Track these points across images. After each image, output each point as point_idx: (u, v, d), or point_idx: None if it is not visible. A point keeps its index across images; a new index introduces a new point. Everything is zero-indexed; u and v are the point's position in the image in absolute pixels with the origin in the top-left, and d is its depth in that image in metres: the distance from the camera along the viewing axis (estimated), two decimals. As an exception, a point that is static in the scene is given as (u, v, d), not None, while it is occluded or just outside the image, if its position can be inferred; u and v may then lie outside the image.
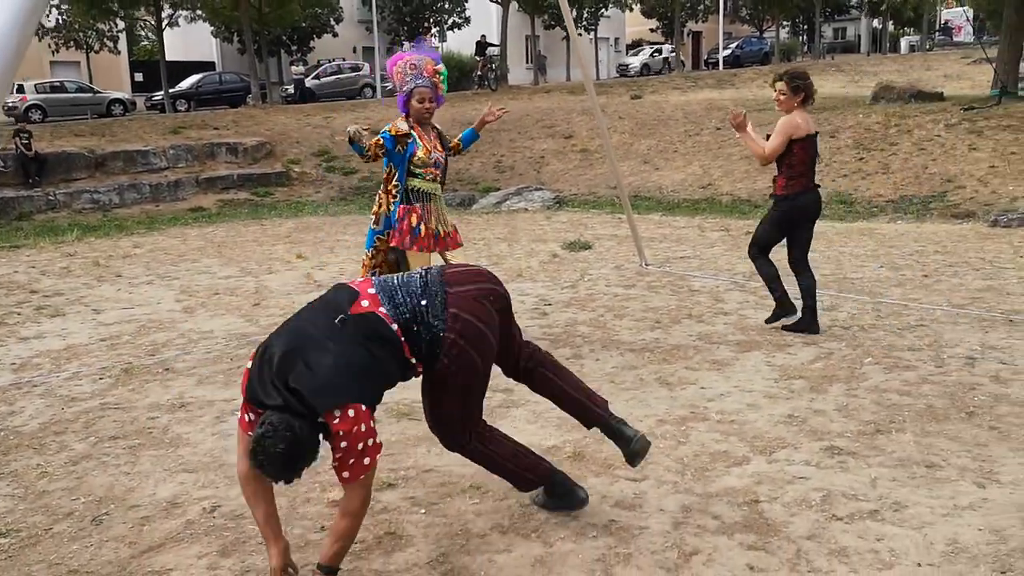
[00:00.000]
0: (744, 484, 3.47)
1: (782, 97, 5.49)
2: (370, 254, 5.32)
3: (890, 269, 7.86)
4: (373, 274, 4.97)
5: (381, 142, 5.12)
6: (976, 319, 5.94)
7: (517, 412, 4.35)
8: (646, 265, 8.30)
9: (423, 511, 3.31)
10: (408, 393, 4.67)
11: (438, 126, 5.46)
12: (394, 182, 5.24)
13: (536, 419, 4.25)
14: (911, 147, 14.84)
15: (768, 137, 5.60)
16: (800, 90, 5.46)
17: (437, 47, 37.88)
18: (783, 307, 5.78)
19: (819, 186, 5.73)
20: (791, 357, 5.21)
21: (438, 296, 2.77)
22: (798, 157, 5.51)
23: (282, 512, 3.31)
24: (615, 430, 3.16)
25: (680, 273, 7.98)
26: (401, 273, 2.90)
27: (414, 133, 5.20)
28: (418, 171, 5.23)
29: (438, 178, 5.35)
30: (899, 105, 17.78)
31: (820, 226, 11.23)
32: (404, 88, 5.16)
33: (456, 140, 5.59)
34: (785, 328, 5.77)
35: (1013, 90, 17.10)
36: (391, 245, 5.27)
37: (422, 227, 5.25)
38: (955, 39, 46.50)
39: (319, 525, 3.21)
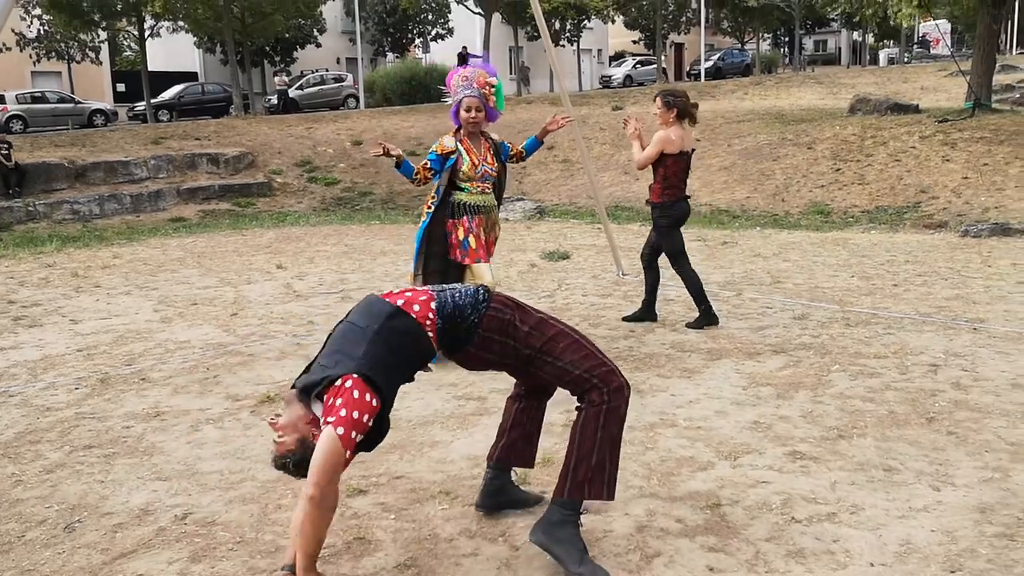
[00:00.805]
0: (708, 488, 3.55)
1: (657, 112, 6.05)
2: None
3: (861, 278, 7.99)
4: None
5: (428, 164, 5.27)
6: (942, 327, 6.07)
7: (488, 420, 4.42)
8: (623, 275, 8.39)
9: (393, 516, 3.37)
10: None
11: (494, 136, 5.50)
12: (432, 194, 5.35)
13: (507, 426, 4.31)
14: (886, 158, 15.06)
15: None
16: (672, 106, 6.00)
17: (420, 58, 38.06)
18: (708, 317, 6.34)
19: (689, 197, 6.32)
20: (760, 365, 5.31)
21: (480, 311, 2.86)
22: (671, 169, 6.07)
23: (253, 519, 3.37)
24: (521, 496, 3.39)
25: (655, 283, 8.05)
26: (462, 295, 2.89)
27: (461, 147, 5.30)
28: (464, 185, 5.31)
29: (487, 191, 5.41)
30: (875, 117, 18.04)
31: (796, 236, 11.48)
32: (455, 98, 5.29)
33: (519, 148, 5.66)
34: (625, 319, 6.55)
35: (986, 102, 17.37)
36: (450, 258, 5.37)
37: (471, 239, 5.33)
38: (932, 52, 47.03)
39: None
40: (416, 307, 2.80)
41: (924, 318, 6.35)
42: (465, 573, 2.94)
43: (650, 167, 6.14)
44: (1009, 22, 48.85)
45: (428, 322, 2.79)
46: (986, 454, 3.82)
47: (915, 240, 10.63)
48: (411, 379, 2.85)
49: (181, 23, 29.96)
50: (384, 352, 2.68)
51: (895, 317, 6.41)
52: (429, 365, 2.91)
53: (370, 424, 2.61)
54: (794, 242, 10.75)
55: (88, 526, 3.34)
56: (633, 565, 2.96)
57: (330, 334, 2.87)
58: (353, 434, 2.54)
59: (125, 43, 37.12)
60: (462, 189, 5.32)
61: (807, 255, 9.53)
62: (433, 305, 2.82)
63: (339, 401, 2.56)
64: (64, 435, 4.40)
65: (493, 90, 5.25)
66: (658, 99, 6.08)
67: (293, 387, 2.78)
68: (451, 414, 4.55)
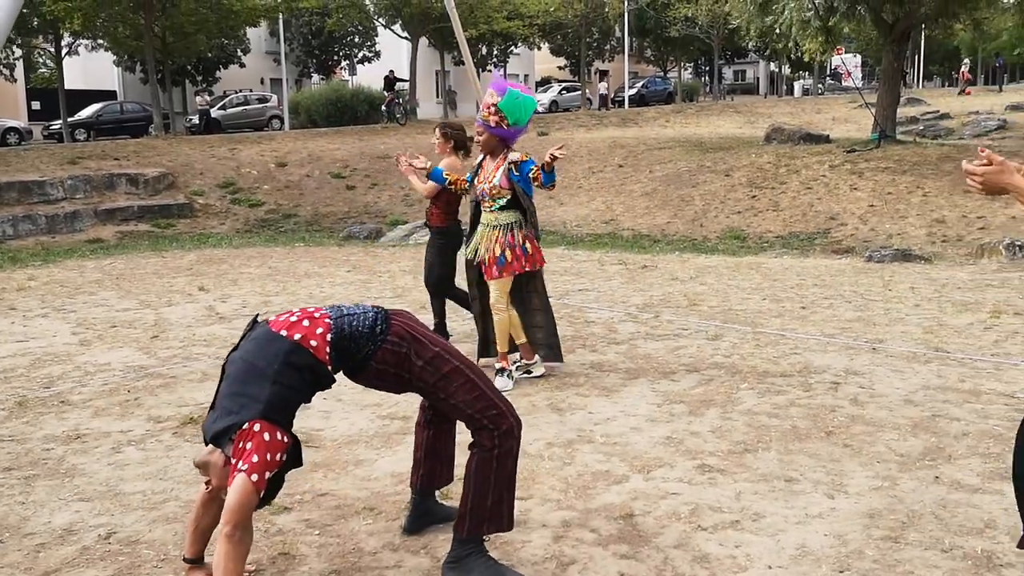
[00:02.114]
0: (622, 500, 3.73)
1: (436, 142, 6.42)
2: None
3: (772, 301, 8.36)
4: None
5: (466, 178, 5.84)
6: (844, 347, 6.42)
7: (412, 438, 4.52)
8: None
9: (317, 532, 3.46)
10: (307, 422, 4.83)
11: (514, 155, 5.55)
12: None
13: (430, 444, 4.44)
14: (799, 186, 15.70)
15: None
16: (450, 137, 6.37)
17: (347, 80, 38.01)
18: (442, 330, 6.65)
19: (460, 221, 6.61)
20: (674, 384, 5.54)
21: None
22: (453, 196, 6.36)
23: (177, 537, 3.42)
24: (444, 512, 3.46)
25: (578, 305, 8.30)
26: (360, 323, 2.96)
27: (483, 165, 5.66)
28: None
29: (490, 208, 5.62)
30: (789, 146, 18.79)
31: (713, 260, 11.91)
32: None
33: (539, 172, 5.50)
34: None
35: (891, 134, 18.25)
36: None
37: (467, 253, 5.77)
38: (844, 84, 48.97)
39: (213, 548, 3.31)
40: (313, 343, 2.86)
41: (828, 338, 6.70)
42: (388, 584, 3.05)
43: (439, 196, 6.39)
44: (917, 57, 51.30)
45: (325, 356, 2.88)
46: (877, 464, 4.10)
47: (824, 265, 11.14)
48: (309, 401, 2.95)
49: (100, 41, 29.36)
50: (286, 391, 2.78)
51: (802, 338, 6.74)
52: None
53: (283, 459, 2.74)
54: (711, 266, 11.14)
55: (10, 547, 3.34)
56: (549, 573, 3.11)
57: (224, 366, 2.92)
58: (267, 475, 2.67)
59: (41, 60, 36.13)
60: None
61: (722, 279, 9.89)
62: (328, 337, 2.88)
63: (250, 445, 2.66)
64: (-19, 458, 4.35)
65: (494, 109, 5.28)
66: (437, 130, 6.48)
67: (206, 443, 2.83)
68: (375, 433, 4.65)
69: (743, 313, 7.79)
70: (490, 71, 40.85)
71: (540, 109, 41.13)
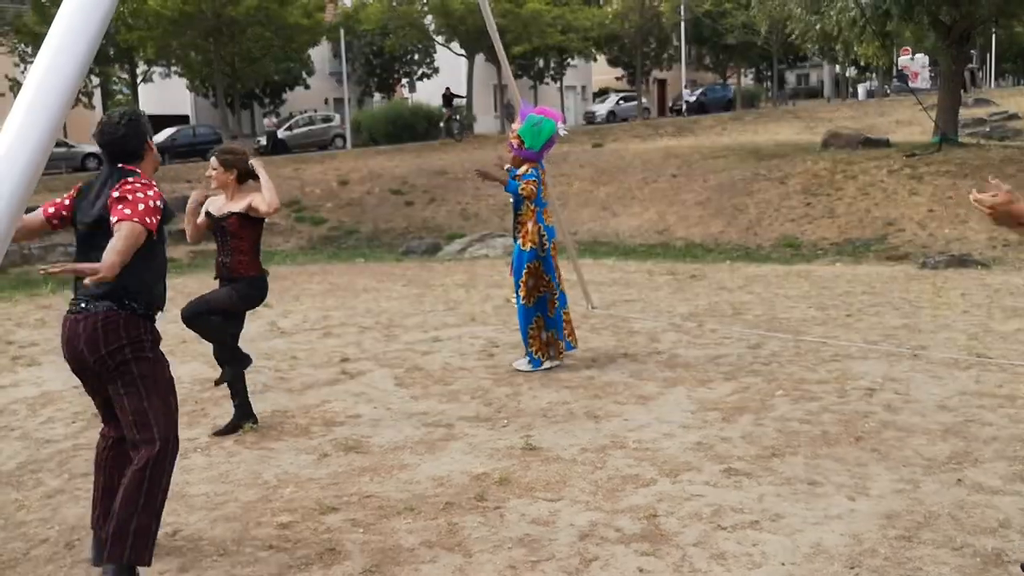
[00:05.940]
0: (647, 502, 3.94)
1: (214, 172, 5.28)
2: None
3: (818, 309, 8.42)
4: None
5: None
6: (885, 354, 6.48)
7: (455, 444, 4.80)
8: (592, 308, 8.80)
9: (361, 531, 3.74)
10: (358, 429, 5.14)
11: (518, 169, 6.48)
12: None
13: (471, 450, 4.71)
14: (856, 192, 15.59)
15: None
16: (231, 166, 5.25)
17: (407, 98, 38.76)
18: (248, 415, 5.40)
19: None
20: (711, 391, 5.70)
21: None
22: (259, 235, 5.38)
23: (235, 534, 3.73)
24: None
25: (623, 315, 8.49)
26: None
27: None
28: None
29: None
30: (847, 152, 18.61)
31: (763, 269, 11.97)
32: None
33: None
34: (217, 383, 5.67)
35: (953, 136, 17.96)
36: None
37: None
38: (912, 85, 47.97)
39: (268, 544, 3.63)
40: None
41: (870, 346, 6.76)
42: (423, 577, 3.31)
43: (242, 239, 5.33)
44: (988, 55, 49.97)
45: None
46: (903, 468, 4.22)
47: (876, 272, 11.10)
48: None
49: (174, 67, 30.51)
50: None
51: (843, 345, 6.82)
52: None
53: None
54: (760, 275, 11.20)
55: (86, 544, 3.69)
56: (572, 568, 3.34)
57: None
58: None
59: (117, 88, 37.66)
60: None
61: (771, 287, 9.96)
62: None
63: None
64: (62, 464, 4.76)
65: (515, 134, 6.47)
66: (214, 158, 5.29)
67: None
68: (420, 440, 4.93)
69: (787, 321, 7.88)
70: (547, 84, 41.22)
71: (598, 120, 41.31)
